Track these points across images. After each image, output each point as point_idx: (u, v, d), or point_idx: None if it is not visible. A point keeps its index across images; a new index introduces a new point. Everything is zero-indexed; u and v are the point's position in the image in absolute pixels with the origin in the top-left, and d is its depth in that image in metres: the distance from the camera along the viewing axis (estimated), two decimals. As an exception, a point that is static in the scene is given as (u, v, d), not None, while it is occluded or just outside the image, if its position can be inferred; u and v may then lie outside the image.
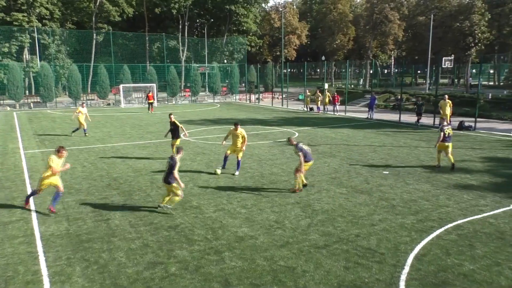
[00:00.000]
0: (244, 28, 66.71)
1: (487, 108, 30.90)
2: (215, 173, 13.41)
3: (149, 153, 16.98)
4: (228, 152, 13.75)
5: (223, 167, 13.91)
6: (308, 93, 37.32)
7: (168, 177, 9.47)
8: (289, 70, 67.07)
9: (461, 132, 22.61)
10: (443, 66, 48.88)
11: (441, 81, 63.55)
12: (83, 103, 23.14)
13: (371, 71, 63.72)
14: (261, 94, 49.19)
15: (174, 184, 9.46)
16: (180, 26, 61.00)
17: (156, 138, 20.75)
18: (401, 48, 72.90)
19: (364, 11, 68.91)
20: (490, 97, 35.19)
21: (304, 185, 11.67)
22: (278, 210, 9.95)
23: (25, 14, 47.61)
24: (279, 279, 6.67)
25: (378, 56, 73.31)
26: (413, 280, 6.64)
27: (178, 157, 9.66)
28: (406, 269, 6.99)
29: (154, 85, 43.30)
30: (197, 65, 54.81)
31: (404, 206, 10.20)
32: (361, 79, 68.03)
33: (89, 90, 50.50)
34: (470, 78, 56.24)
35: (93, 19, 54.30)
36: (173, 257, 7.49)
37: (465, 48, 53.06)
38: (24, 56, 49.17)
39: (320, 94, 34.44)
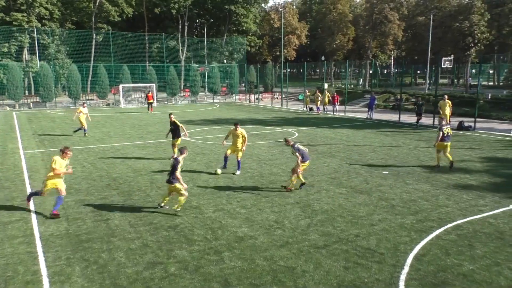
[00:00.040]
0: (244, 28, 66.74)
1: (487, 108, 30.92)
2: (215, 173, 13.41)
3: (149, 153, 16.98)
4: (228, 152, 13.76)
5: (224, 167, 13.92)
6: (307, 93, 37.31)
7: (170, 177, 9.48)
8: (288, 70, 66.95)
9: (461, 132, 22.62)
10: (442, 66, 48.92)
11: (440, 81, 63.59)
12: (84, 103, 23.17)
13: (370, 71, 63.73)
14: (260, 94, 49.19)
15: (177, 184, 9.46)
16: (180, 26, 61.01)
17: (156, 138, 20.75)
18: (400, 48, 72.96)
19: (364, 11, 68.96)
20: (489, 97, 35.20)
21: (303, 184, 11.68)
22: (277, 210, 9.95)
23: (25, 14, 47.62)
24: (279, 279, 6.68)
25: (378, 56, 73.34)
26: (413, 280, 6.64)
27: (181, 158, 9.64)
28: (406, 269, 7.00)
29: (154, 85, 43.31)
30: (197, 65, 54.80)
31: (404, 206, 10.20)
32: (361, 79, 68.05)
33: (88, 90, 50.51)
34: (470, 78, 56.26)
35: (93, 19, 54.30)
36: (173, 257, 7.49)
37: (464, 48, 53.09)
38: (24, 56, 49.18)
39: (319, 94, 34.43)
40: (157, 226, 8.97)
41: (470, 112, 27.18)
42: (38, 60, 46.69)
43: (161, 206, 9.99)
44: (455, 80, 64.79)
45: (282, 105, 41.06)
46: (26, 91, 46.38)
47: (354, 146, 18.64)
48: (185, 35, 61.24)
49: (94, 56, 53.48)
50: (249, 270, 6.99)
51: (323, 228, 8.83)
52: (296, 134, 22.05)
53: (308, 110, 35.35)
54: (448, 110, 23.12)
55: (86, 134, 21.64)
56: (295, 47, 72.04)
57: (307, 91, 38.71)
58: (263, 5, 77.99)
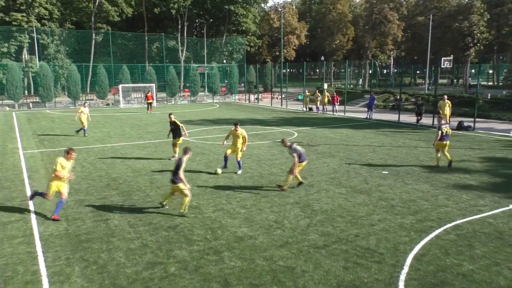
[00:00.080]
0: (243, 28, 66.74)
1: (486, 108, 30.93)
2: (215, 173, 13.42)
3: (149, 153, 16.97)
4: (228, 152, 13.76)
5: (225, 166, 13.94)
6: (307, 93, 37.31)
7: (173, 177, 9.47)
8: (288, 70, 66.99)
9: (460, 132, 22.64)
10: (442, 66, 48.93)
11: (440, 81, 63.59)
12: (85, 103, 23.18)
13: (370, 71, 63.72)
14: (260, 94, 49.19)
15: (180, 185, 9.45)
16: (179, 26, 61.00)
17: (156, 138, 20.75)
18: (400, 48, 72.97)
19: (363, 11, 68.96)
20: (489, 97, 35.22)
21: (300, 183, 11.74)
22: (277, 210, 9.95)
23: (24, 14, 47.61)
24: (279, 279, 6.68)
25: (377, 56, 73.36)
26: (412, 280, 6.64)
27: (185, 158, 9.63)
28: (405, 269, 7.00)
29: (153, 85, 43.30)
30: (196, 65, 54.80)
31: (403, 206, 10.21)
32: (360, 79, 68.07)
33: (88, 90, 50.51)
34: (469, 78, 56.25)
35: (92, 19, 54.29)
36: (173, 257, 7.49)
37: (464, 48, 53.09)
38: (23, 56, 49.16)
39: (319, 94, 34.43)
40: (156, 226, 8.97)
41: (470, 112, 27.19)
42: (37, 60, 46.68)
43: (163, 205, 9.99)
44: (455, 80, 64.80)
45: (281, 105, 41.07)
46: (26, 91, 46.35)
47: (353, 146, 18.64)
48: (185, 35, 61.23)
49: (93, 56, 53.47)
50: (249, 270, 6.99)
51: (322, 228, 8.83)
52: (296, 134, 22.05)
53: (307, 110, 35.35)
54: (447, 110, 23.14)
55: (86, 134, 21.64)
56: (294, 47, 72.05)
57: (306, 91, 38.71)
58: (262, 5, 78.03)
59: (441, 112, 23.18)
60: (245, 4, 64.95)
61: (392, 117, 29.46)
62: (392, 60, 78.64)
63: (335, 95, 33.18)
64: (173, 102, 46.47)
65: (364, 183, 12.35)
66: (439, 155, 14.30)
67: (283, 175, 13.21)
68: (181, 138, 15.55)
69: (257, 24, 71.53)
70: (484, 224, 9.00)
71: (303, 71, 45.69)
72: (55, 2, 50.52)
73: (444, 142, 13.96)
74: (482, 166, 14.53)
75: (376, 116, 30.26)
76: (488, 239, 8.24)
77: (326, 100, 34.10)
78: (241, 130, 13.41)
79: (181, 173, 9.38)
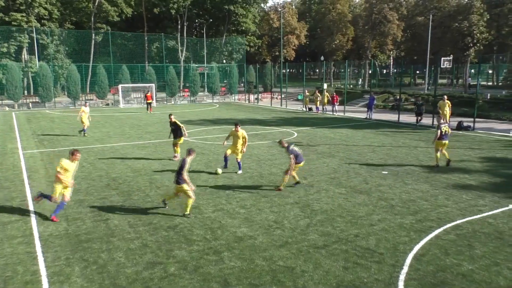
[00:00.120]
0: (243, 28, 66.73)
1: (486, 108, 30.94)
2: (216, 173, 13.42)
3: (148, 153, 16.97)
4: (228, 152, 13.76)
5: (225, 166, 13.95)
6: (307, 93, 37.32)
7: (177, 177, 9.47)
8: (288, 70, 67.04)
9: (460, 132, 22.64)
10: (442, 67, 48.93)
11: (440, 81, 63.64)
12: (86, 102, 23.19)
13: (370, 71, 63.72)
14: (260, 94, 49.20)
15: (184, 185, 9.43)
16: (179, 26, 60.98)
17: (155, 138, 20.74)
18: (400, 48, 72.96)
19: (363, 11, 68.97)
20: (488, 97, 35.23)
21: (297, 183, 11.81)
22: (277, 210, 9.96)
23: (24, 14, 47.58)
24: (278, 279, 6.68)
25: (377, 56, 73.36)
26: (412, 280, 6.65)
27: (189, 159, 9.62)
28: (405, 269, 7.00)
29: (153, 85, 43.30)
30: (196, 65, 54.80)
31: (403, 206, 10.21)
32: (360, 79, 68.08)
33: (88, 90, 50.48)
34: (469, 78, 56.26)
35: (92, 19, 54.27)
36: (172, 257, 7.49)
37: (463, 48, 53.12)
38: (23, 56, 49.12)
39: (319, 94, 34.43)
40: (156, 226, 8.97)
41: (469, 112, 27.20)
42: (37, 60, 46.68)
43: (165, 203, 10.03)
44: (454, 80, 64.82)
45: (281, 105, 41.07)
46: (25, 91, 46.33)
47: (353, 146, 18.64)
48: (184, 35, 61.22)
49: (93, 56, 53.44)
50: (249, 270, 6.99)
51: (322, 228, 8.83)
52: (296, 134, 22.06)
53: (307, 110, 35.36)
54: (447, 110, 23.14)
55: (86, 134, 21.64)
56: (294, 47, 72.03)
57: (306, 91, 38.72)
58: (262, 5, 78.00)
59: (441, 112, 23.19)
60: (244, 4, 64.93)
61: (392, 117, 29.47)
62: (391, 60, 78.65)
63: (334, 95, 33.19)
64: (172, 102, 46.47)
65: (364, 183, 12.35)
66: (438, 155, 14.32)
67: (282, 175, 13.21)
68: (182, 138, 15.58)
69: (257, 24, 71.52)
70: (484, 224, 9.01)
71: (302, 71, 45.71)
72: (54, 2, 50.50)
73: (444, 141, 13.99)
74: (482, 166, 14.54)
75: (376, 116, 30.27)
76: (488, 239, 8.24)
77: (325, 100, 34.10)
78: (241, 131, 13.41)
79: (185, 174, 9.38)
